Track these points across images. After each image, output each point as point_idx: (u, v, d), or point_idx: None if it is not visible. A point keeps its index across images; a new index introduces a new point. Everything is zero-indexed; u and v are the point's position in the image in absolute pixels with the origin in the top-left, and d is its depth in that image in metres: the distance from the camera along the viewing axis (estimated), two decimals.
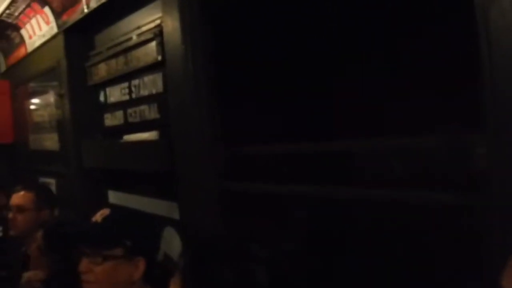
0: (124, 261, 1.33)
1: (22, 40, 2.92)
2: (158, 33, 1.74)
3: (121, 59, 2.05)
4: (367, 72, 1.21)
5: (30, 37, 2.80)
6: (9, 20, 2.81)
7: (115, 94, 2.15)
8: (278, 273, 1.13)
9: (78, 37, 2.35)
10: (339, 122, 1.23)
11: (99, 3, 2.02)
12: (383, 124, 1.07)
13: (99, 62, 2.22)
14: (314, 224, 1.35)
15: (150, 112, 1.88)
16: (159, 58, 1.74)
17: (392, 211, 1.03)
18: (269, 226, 1.36)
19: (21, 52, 3.02)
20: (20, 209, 2.11)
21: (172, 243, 1.78)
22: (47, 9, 2.46)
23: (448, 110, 1.01)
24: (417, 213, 1.00)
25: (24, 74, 3.03)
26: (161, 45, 1.71)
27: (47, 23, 2.53)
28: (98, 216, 1.52)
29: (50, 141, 2.71)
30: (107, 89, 2.21)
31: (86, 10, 2.15)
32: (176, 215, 1.73)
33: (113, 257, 1.32)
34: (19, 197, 2.14)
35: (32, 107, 3.04)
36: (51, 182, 2.70)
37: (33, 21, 2.66)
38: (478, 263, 0.84)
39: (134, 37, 1.94)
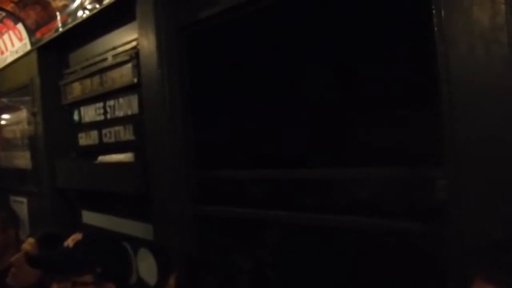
0: None
1: None
2: (134, 56, 1.75)
3: (96, 79, 2.04)
4: (338, 103, 1.26)
5: (2, 53, 2.74)
6: None
7: (89, 113, 2.13)
8: None
9: (52, 54, 2.33)
10: (311, 150, 1.27)
11: (75, 23, 2.01)
12: (351, 153, 1.12)
13: (74, 81, 2.20)
14: (285, 249, 1.37)
15: (125, 133, 1.87)
16: (135, 80, 1.75)
17: (358, 237, 1.07)
18: (243, 249, 1.38)
19: None
20: None
21: (146, 265, 1.76)
22: (20, 26, 2.43)
23: (413, 144, 1.07)
24: (382, 240, 1.04)
25: None
26: (137, 68, 1.72)
27: (20, 39, 2.49)
28: (70, 241, 1.50)
29: (22, 159, 2.64)
30: (82, 109, 2.19)
31: (61, 29, 2.14)
32: (151, 237, 1.72)
33: (82, 284, 1.31)
34: None
35: (3, 123, 2.97)
36: (23, 201, 2.63)
37: (5, 37, 2.61)
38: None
39: (110, 58, 1.94)
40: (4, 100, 2.92)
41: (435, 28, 0.84)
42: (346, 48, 1.32)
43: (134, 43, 1.78)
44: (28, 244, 1.73)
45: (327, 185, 1.08)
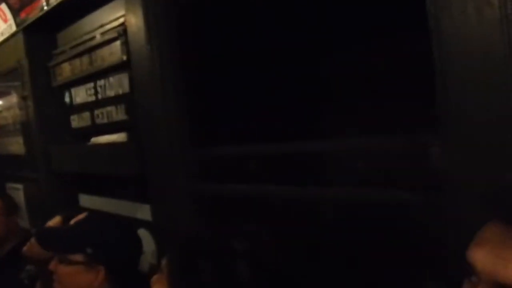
0: (84, 268, 1.35)
1: None
2: (122, 32, 1.68)
3: (85, 58, 1.97)
4: (332, 74, 1.21)
5: None
6: None
7: (80, 95, 2.07)
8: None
9: (39, 35, 2.25)
10: (310, 123, 1.23)
11: (59, 0, 1.94)
12: (343, 125, 1.08)
13: (63, 61, 2.13)
14: (285, 224, 1.35)
15: (117, 113, 1.83)
16: (124, 58, 1.69)
17: (356, 210, 1.04)
18: (244, 228, 1.35)
19: None
20: None
21: (145, 246, 1.75)
22: (3, 6, 2.34)
23: (405, 111, 1.03)
24: (377, 212, 1.01)
25: None
26: (126, 45, 1.66)
27: (5, 20, 2.40)
28: (73, 221, 1.50)
29: (16, 145, 2.60)
30: (72, 90, 2.13)
31: (45, 8, 2.06)
32: (149, 217, 1.71)
33: (73, 263, 1.33)
34: None
35: None
36: (19, 187, 2.61)
37: None
38: (436, 259, 0.86)
39: (98, 36, 1.87)
40: None
41: None
42: (336, 18, 1.25)
43: (122, 20, 1.71)
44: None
45: (321, 158, 1.05)
